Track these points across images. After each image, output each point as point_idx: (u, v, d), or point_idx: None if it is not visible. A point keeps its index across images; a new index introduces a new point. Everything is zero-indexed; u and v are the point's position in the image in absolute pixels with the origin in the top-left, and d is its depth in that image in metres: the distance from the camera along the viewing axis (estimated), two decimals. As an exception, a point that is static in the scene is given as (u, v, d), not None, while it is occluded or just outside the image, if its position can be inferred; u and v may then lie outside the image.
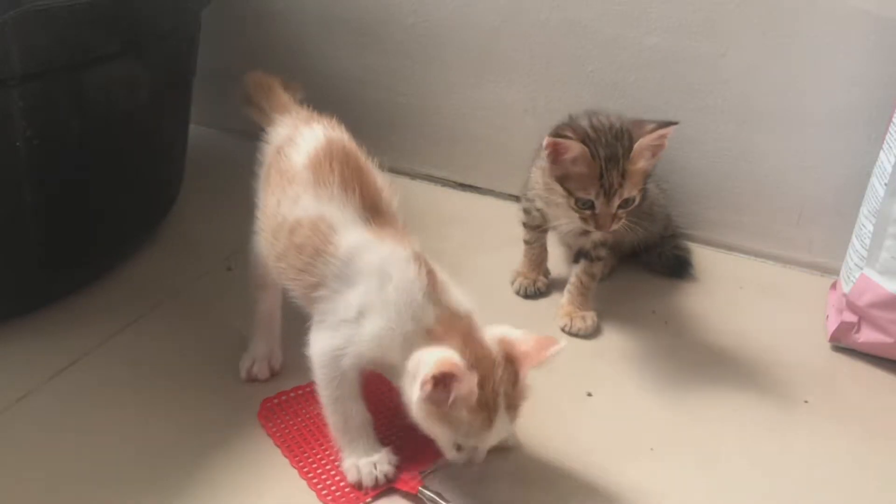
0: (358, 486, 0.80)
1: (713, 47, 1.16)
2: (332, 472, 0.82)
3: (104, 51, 0.96)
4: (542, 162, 1.10)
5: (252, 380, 0.93)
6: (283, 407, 0.90)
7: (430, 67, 1.34)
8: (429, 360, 0.71)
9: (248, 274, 0.95)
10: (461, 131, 1.36)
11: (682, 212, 1.25)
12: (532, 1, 1.23)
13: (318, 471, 0.82)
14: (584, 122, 1.00)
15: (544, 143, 0.96)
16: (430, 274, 0.78)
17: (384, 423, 0.86)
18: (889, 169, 0.97)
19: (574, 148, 0.95)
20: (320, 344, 0.79)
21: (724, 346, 1.06)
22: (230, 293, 1.10)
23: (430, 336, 0.75)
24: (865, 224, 1.02)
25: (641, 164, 0.96)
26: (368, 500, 0.80)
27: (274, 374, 0.94)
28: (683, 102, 1.21)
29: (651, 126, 0.96)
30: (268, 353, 0.94)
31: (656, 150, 0.97)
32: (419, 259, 0.78)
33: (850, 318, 1.03)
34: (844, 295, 1.04)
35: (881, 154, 1.01)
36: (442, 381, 0.71)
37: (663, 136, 0.95)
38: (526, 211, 1.13)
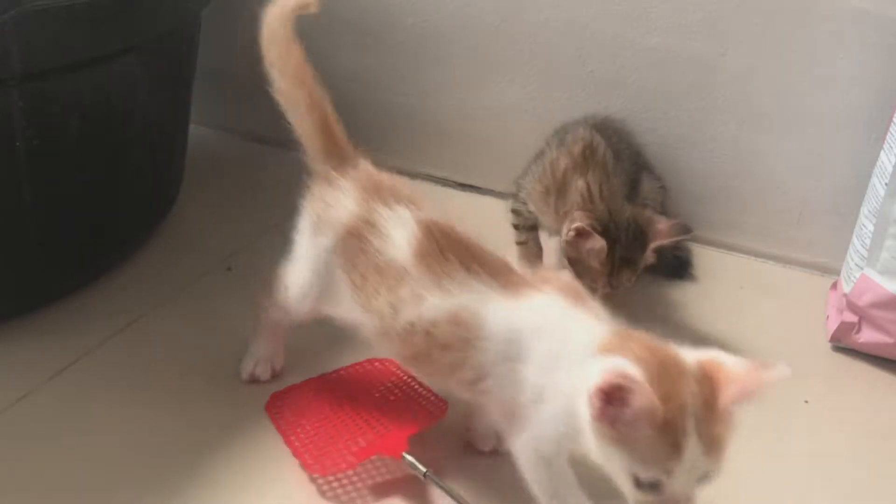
0: None
1: (713, 47, 1.16)
2: (324, 445, 0.83)
3: (104, 51, 0.96)
4: (538, 167, 1.11)
5: (254, 380, 0.92)
6: (291, 399, 0.90)
7: (430, 67, 1.34)
8: (599, 369, 0.61)
9: (271, 300, 0.89)
10: (461, 131, 1.36)
11: (682, 212, 1.24)
12: (532, 1, 1.23)
13: (317, 456, 0.82)
14: (601, 208, 1.01)
15: (573, 223, 0.98)
16: (582, 301, 0.71)
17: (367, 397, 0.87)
18: (890, 169, 0.97)
19: (598, 242, 0.97)
20: (529, 451, 0.71)
21: (723, 346, 1.03)
22: (230, 293, 1.10)
23: (602, 351, 0.66)
24: (866, 224, 1.02)
25: (650, 259, 1.02)
26: (356, 467, 0.81)
27: (275, 375, 0.93)
28: (683, 102, 1.21)
29: (665, 230, 1.00)
30: (271, 355, 0.93)
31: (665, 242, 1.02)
32: (566, 295, 0.72)
33: (850, 318, 1.03)
34: (845, 295, 1.04)
35: (882, 154, 1.01)
36: (615, 395, 0.60)
37: (676, 241, 1.02)
38: (517, 212, 1.13)
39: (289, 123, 0.86)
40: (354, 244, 0.77)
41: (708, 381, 0.63)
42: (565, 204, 1.03)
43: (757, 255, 1.25)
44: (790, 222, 1.22)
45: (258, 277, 1.13)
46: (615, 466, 0.64)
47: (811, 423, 0.93)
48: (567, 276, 0.75)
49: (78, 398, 0.91)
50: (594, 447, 0.64)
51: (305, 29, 1.40)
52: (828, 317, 1.09)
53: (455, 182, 1.41)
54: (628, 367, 0.60)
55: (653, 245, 1.00)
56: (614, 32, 1.21)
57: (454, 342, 0.71)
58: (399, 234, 0.75)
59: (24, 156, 0.91)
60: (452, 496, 0.77)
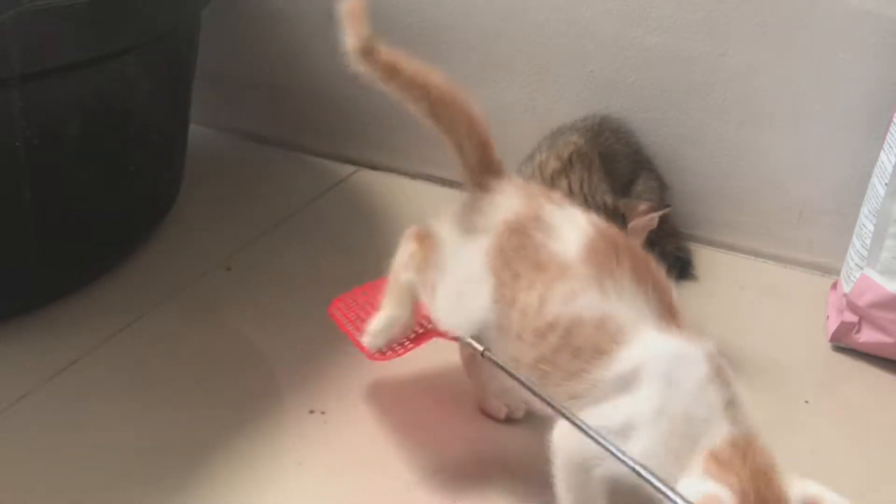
0: None
1: (713, 47, 1.16)
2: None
3: (104, 51, 0.96)
4: (527, 169, 1.12)
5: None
6: (351, 300, 0.91)
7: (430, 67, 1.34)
8: (692, 492, 0.58)
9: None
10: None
11: (682, 211, 1.24)
12: (532, 1, 1.23)
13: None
14: (579, 200, 1.01)
15: None
16: (727, 382, 0.65)
17: None
18: (890, 169, 0.97)
19: None
20: (570, 447, 0.68)
21: (724, 346, 1.04)
22: (230, 293, 1.10)
23: (709, 461, 0.61)
24: (866, 224, 1.02)
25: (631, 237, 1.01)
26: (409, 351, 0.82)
27: (509, 416, 0.88)
28: (683, 102, 1.21)
29: (643, 207, 1.00)
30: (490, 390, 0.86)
31: (648, 229, 1.00)
32: (714, 361, 0.66)
33: (850, 318, 1.03)
34: (845, 295, 1.04)
35: (882, 154, 1.01)
36: None
37: (654, 219, 0.99)
38: None
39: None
40: (515, 241, 0.73)
41: None
42: None
43: (757, 255, 1.25)
44: (790, 222, 1.22)
45: (258, 277, 1.14)
46: None
47: (811, 423, 0.93)
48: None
49: (78, 398, 0.91)
50: None
51: (306, 29, 1.40)
52: (828, 317, 1.09)
53: (455, 182, 1.40)
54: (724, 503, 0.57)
55: (632, 223, 0.98)
56: (614, 32, 1.20)
57: (588, 348, 0.67)
58: (569, 231, 0.72)
59: (24, 156, 0.91)
60: (511, 375, 0.73)
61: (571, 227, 0.72)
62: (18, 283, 1.01)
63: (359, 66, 0.78)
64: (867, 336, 1.02)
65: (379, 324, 0.82)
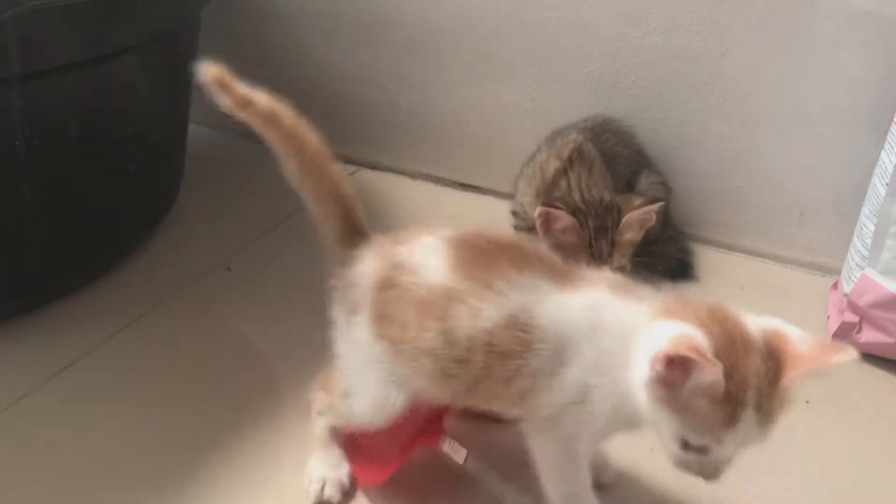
0: None
1: (713, 47, 1.16)
2: (378, 466, 0.80)
3: (103, 50, 0.96)
4: (529, 169, 1.12)
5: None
6: None
7: (430, 67, 1.34)
8: (665, 334, 0.60)
9: (328, 411, 0.81)
10: (461, 131, 1.36)
11: (682, 211, 1.25)
12: (532, 1, 1.23)
13: (366, 464, 0.81)
14: (577, 196, 1.06)
15: (536, 212, 1.00)
16: (631, 293, 0.67)
17: None
18: (890, 169, 0.97)
19: (564, 219, 1.00)
20: (553, 446, 0.70)
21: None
22: (230, 293, 1.10)
23: (659, 314, 0.64)
24: (867, 224, 1.02)
25: (630, 235, 1.03)
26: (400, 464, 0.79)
27: (347, 495, 0.81)
28: (683, 102, 1.21)
29: (639, 202, 1.04)
30: (336, 470, 0.81)
31: (644, 223, 1.03)
32: (616, 286, 0.68)
33: (851, 318, 1.03)
34: (845, 295, 1.04)
35: (882, 154, 1.01)
36: (679, 364, 0.58)
37: (650, 212, 1.02)
38: (515, 213, 1.14)
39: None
40: (387, 296, 0.70)
41: (773, 358, 0.62)
42: None
43: (757, 255, 1.25)
44: (790, 222, 1.22)
45: (258, 277, 1.14)
46: (664, 428, 0.63)
47: (811, 423, 0.93)
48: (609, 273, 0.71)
49: (78, 398, 0.91)
50: (644, 406, 0.62)
51: (306, 29, 1.41)
52: (828, 317, 1.09)
53: (455, 182, 1.41)
54: (699, 339, 0.59)
55: (626, 217, 1.01)
56: (614, 32, 1.20)
57: (514, 347, 0.66)
58: (431, 258, 0.70)
59: (23, 156, 0.91)
60: (492, 486, 0.76)
61: (431, 254, 0.70)
62: (18, 283, 1.01)
63: (241, 116, 0.75)
64: (868, 336, 1.02)
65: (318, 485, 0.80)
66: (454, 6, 1.28)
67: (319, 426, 0.81)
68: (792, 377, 0.61)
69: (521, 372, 0.67)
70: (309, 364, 0.94)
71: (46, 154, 0.93)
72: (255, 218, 1.26)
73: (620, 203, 1.03)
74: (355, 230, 0.76)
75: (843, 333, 1.03)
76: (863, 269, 1.02)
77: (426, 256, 0.70)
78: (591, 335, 0.65)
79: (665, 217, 1.20)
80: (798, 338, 0.64)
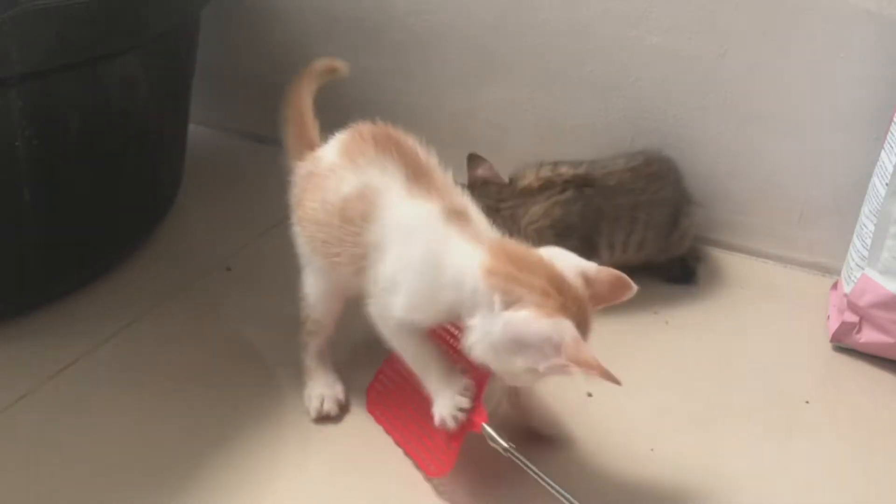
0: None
1: (713, 47, 1.16)
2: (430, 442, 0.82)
3: (103, 50, 0.96)
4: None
5: (324, 419, 0.88)
6: (384, 396, 0.90)
7: (430, 67, 1.34)
8: (557, 331, 0.68)
9: (303, 320, 0.91)
10: (461, 131, 1.36)
11: (682, 212, 1.24)
12: (532, 1, 1.23)
13: (421, 442, 0.83)
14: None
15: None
16: (463, 219, 0.76)
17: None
18: (890, 169, 0.97)
19: (485, 165, 1.11)
20: (376, 318, 0.79)
21: (724, 347, 1.06)
22: (230, 293, 1.10)
23: (488, 276, 0.71)
24: (867, 224, 1.02)
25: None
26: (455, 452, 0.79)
27: (343, 408, 0.90)
28: (683, 102, 1.21)
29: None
30: (332, 388, 0.90)
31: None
32: (451, 212, 0.76)
33: (851, 318, 1.03)
34: (845, 295, 1.04)
35: (882, 154, 1.01)
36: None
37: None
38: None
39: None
40: (305, 188, 0.85)
41: (587, 299, 0.72)
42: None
43: (757, 255, 1.25)
44: (790, 222, 1.22)
45: (258, 277, 1.14)
46: (515, 366, 0.71)
47: (811, 423, 0.93)
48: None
49: (78, 398, 0.91)
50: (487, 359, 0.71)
51: (306, 29, 1.41)
52: (828, 317, 1.09)
53: (455, 182, 1.40)
54: (583, 349, 0.68)
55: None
56: (614, 33, 1.20)
57: (356, 216, 0.78)
58: (330, 145, 0.85)
59: (23, 156, 0.91)
60: (533, 472, 0.77)
61: (334, 143, 0.85)
62: (18, 283, 1.01)
63: None
64: (868, 336, 1.02)
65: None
66: (454, 6, 1.28)
67: (309, 351, 0.91)
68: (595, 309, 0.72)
69: (357, 242, 0.78)
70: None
71: (46, 154, 0.93)
72: (255, 218, 1.26)
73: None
74: (309, 144, 0.92)
75: (843, 333, 1.03)
76: (863, 269, 1.02)
77: (330, 147, 0.85)
78: (406, 241, 0.75)
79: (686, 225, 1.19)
80: (592, 274, 0.73)
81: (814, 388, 0.99)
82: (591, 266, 0.74)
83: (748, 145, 1.20)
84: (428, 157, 0.82)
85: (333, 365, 0.92)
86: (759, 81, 1.16)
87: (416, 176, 0.78)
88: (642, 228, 1.12)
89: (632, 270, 1.17)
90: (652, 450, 0.88)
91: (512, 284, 0.70)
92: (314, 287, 0.89)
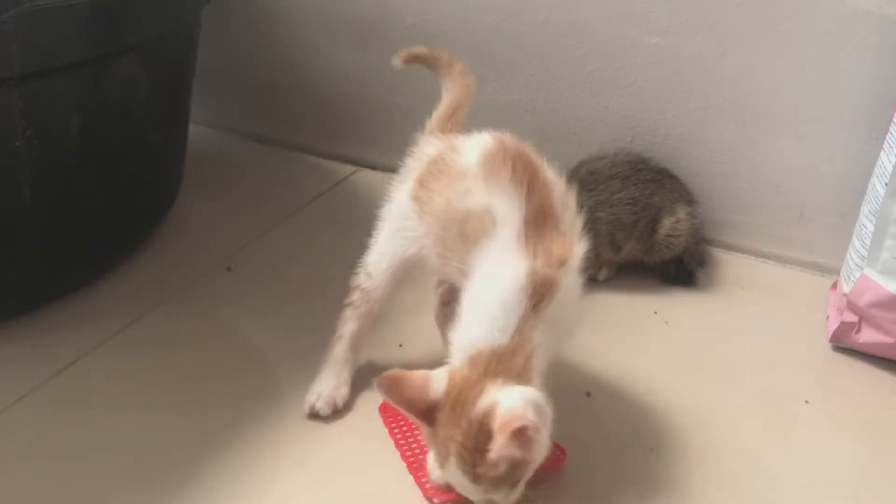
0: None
1: (713, 47, 1.16)
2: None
3: (104, 51, 0.96)
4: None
5: (314, 416, 0.89)
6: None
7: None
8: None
9: (352, 289, 0.90)
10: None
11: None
12: (532, 1, 1.23)
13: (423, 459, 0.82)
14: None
15: None
16: (538, 300, 0.74)
17: None
18: (890, 169, 0.97)
19: None
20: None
21: (724, 346, 1.06)
22: (230, 293, 1.10)
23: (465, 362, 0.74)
24: (866, 224, 1.02)
25: None
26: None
27: (337, 412, 0.89)
28: (683, 102, 1.21)
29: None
30: (335, 390, 0.90)
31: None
32: (535, 280, 0.74)
33: (850, 318, 1.03)
34: (845, 295, 1.04)
35: (882, 154, 1.01)
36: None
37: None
38: None
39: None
40: (432, 170, 0.84)
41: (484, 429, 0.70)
42: None
43: (757, 255, 1.25)
44: (790, 222, 1.22)
45: (258, 277, 1.14)
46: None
47: (811, 423, 0.93)
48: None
49: (78, 398, 0.91)
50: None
51: (306, 29, 1.41)
52: (828, 317, 1.09)
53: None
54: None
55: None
56: (614, 32, 1.20)
57: (470, 235, 0.78)
58: (473, 146, 0.84)
59: (24, 156, 0.91)
60: None
61: (476, 143, 0.84)
62: (18, 283, 1.01)
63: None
64: (867, 336, 1.02)
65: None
66: (454, 6, 1.28)
67: (343, 334, 0.90)
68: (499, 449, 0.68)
69: (463, 259, 0.80)
70: (309, 364, 0.94)
71: (46, 154, 0.93)
72: (255, 218, 1.26)
73: None
74: (453, 123, 0.93)
75: (843, 333, 1.04)
76: (862, 269, 1.02)
77: (472, 143, 0.84)
78: (483, 281, 0.77)
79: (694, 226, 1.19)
80: (500, 413, 0.69)
81: (813, 387, 0.99)
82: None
83: (748, 145, 1.20)
84: (564, 195, 0.82)
85: (355, 363, 0.91)
86: (759, 81, 1.16)
87: (535, 221, 0.78)
88: (608, 228, 1.12)
89: (630, 270, 1.19)
90: (652, 450, 0.88)
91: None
92: (384, 259, 0.88)
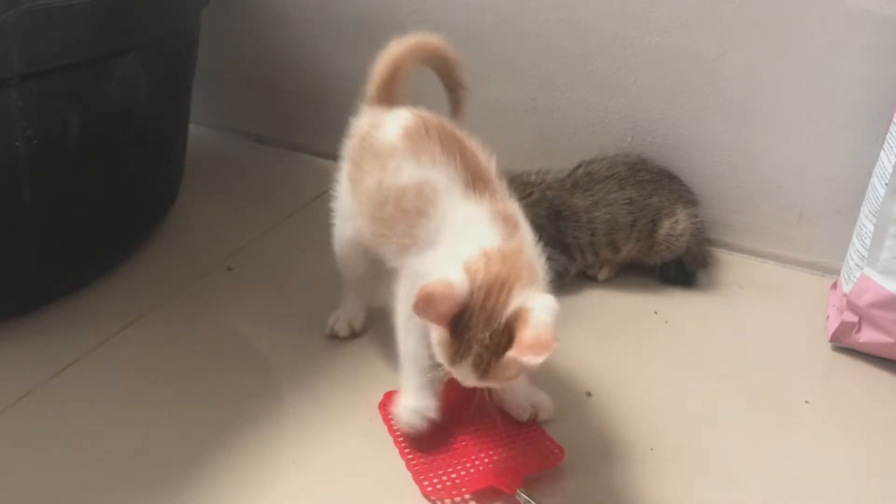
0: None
1: (713, 47, 1.16)
2: (439, 469, 0.82)
3: (104, 50, 0.96)
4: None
5: (333, 336, 0.99)
6: None
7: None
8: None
9: (339, 265, 0.98)
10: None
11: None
12: (532, 1, 1.23)
13: (425, 465, 0.83)
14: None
15: None
16: (509, 224, 0.78)
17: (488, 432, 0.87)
18: (890, 169, 0.97)
19: None
20: (399, 295, 0.84)
21: (724, 346, 1.06)
22: (230, 293, 1.10)
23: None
24: (866, 224, 1.02)
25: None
26: (467, 496, 0.79)
27: (354, 334, 1.00)
28: (683, 102, 1.21)
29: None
30: (351, 314, 1.00)
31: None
32: (499, 216, 0.78)
33: (850, 318, 1.03)
34: (845, 295, 1.04)
35: (882, 154, 1.01)
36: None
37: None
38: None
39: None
40: (359, 150, 0.88)
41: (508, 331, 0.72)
42: None
43: (757, 254, 1.25)
44: (790, 222, 1.22)
45: (258, 277, 1.14)
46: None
47: (811, 423, 0.93)
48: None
49: (78, 398, 0.91)
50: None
51: (306, 29, 1.41)
52: (828, 317, 1.09)
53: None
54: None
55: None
56: (614, 32, 1.21)
57: (411, 210, 0.80)
58: (395, 123, 0.86)
59: (24, 156, 0.91)
60: None
61: (398, 120, 0.86)
62: (18, 283, 1.01)
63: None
64: (867, 336, 1.02)
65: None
66: (454, 7, 1.28)
67: (345, 279, 0.99)
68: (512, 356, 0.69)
69: (407, 233, 0.81)
70: (309, 363, 0.94)
71: (46, 154, 0.93)
72: (255, 218, 1.26)
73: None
74: (387, 96, 0.94)
75: (843, 333, 1.04)
76: (862, 268, 1.02)
77: (394, 120, 0.86)
78: (456, 240, 0.79)
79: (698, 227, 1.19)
80: (531, 322, 0.69)
81: (813, 387, 0.99)
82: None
83: (748, 145, 1.20)
84: (488, 161, 0.85)
85: (366, 297, 1.00)
86: (759, 81, 1.16)
87: (475, 180, 0.81)
88: (605, 229, 1.13)
89: (630, 270, 1.19)
90: (652, 450, 0.88)
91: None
92: (338, 243, 0.96)
